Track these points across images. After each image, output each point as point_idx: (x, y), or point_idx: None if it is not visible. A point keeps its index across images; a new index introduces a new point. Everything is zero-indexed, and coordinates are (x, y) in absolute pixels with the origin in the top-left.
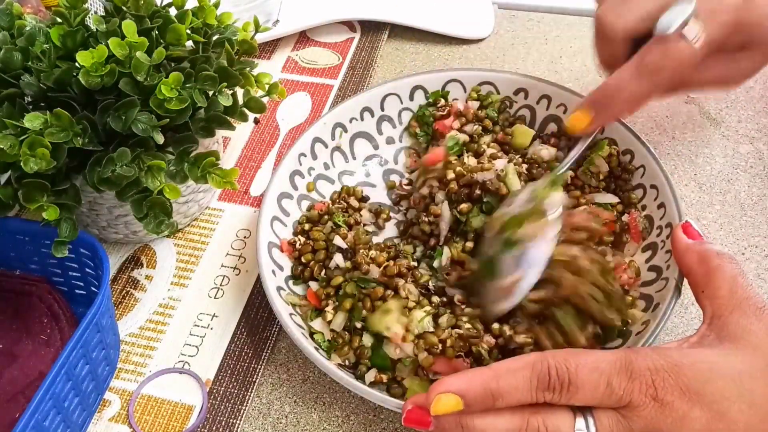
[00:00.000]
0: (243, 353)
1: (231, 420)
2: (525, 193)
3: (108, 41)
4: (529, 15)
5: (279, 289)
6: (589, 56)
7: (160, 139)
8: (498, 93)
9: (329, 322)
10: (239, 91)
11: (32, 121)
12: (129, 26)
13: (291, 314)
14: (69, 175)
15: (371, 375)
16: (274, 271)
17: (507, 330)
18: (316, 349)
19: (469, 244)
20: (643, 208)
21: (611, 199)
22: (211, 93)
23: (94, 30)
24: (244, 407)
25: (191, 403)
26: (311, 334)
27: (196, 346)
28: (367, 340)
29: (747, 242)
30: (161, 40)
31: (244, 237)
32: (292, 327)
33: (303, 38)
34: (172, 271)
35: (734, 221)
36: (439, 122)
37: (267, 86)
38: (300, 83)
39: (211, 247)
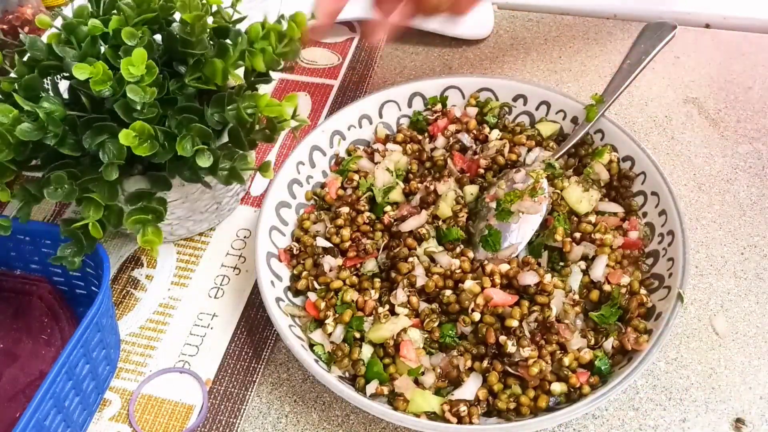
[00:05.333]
0: (243, 353)
1: (231, 419)
2: (521, 174)
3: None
4: (528, 15)
5: (278, 300)
6: (589, 56)
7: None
8: (497, 99)
9: (329, 335)
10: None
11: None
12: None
13: (290, 326)
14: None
15: (372, 387)
16: (272, 282)
17: (510, 345)
18: (316, 361)
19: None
20: (644, 215)
21: (616, 208)
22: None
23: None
24: (244, 407)
25: (191, 403)
26: (311, 345)
27: (197, 346)
28: (367, 350)
29: (746, 242)
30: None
31: (244, 237)
32: (292, 339)
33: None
34: (172, 271)
35: (733, 221)
36: (434, 124)
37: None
38: (300, 83)
39: (211, 247)
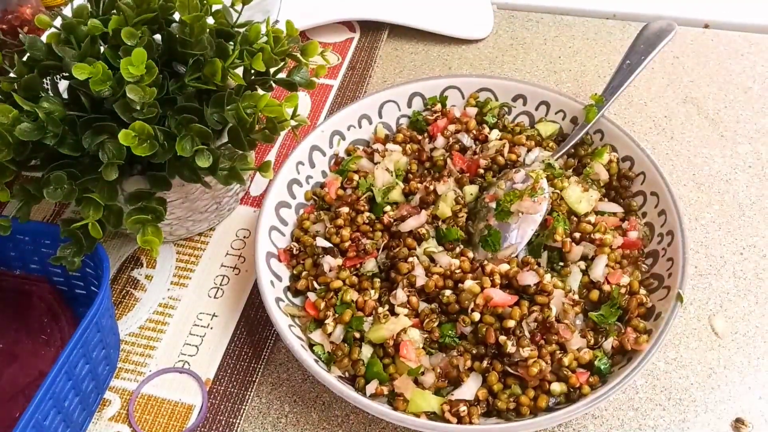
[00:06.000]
0: (243, 353)
1: (231, 419)
2: (520, 174)
3: (121, 62)
4: (528, 15)
5: (278, 300)
6: (588, 56)
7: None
8: (496, 99)
9: (329, 335)
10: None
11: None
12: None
13: (290, 326)
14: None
15: (372, 387)
16: (272, 282)
17: (510, 345)
18: (316, 361)
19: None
20: (644, 215)
21: (615, 208)
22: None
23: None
24: (243, 407)
25: (191, 403)
26: (311, 345)
27: (196, 346)
28: (367, 350)
29: (745, 242)
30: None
31: (244, 237)
32: (292, 339)
33: (303, 38)
34: (172, 271)
35: (733, 221)
36: (434, 124)
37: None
38: None
39: (210, 247)
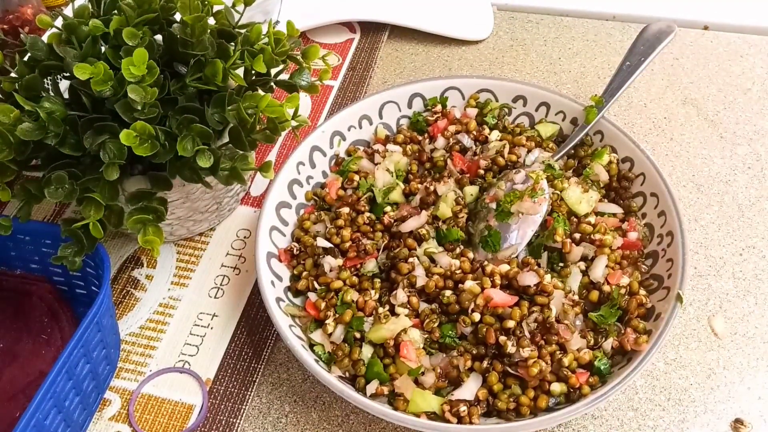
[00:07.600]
0: (243, 353)
1: (231, 419)
2: (521, 175)
3: (122, 62)
4: (528, 16)
5: (278, 300)
6: (588, 58)
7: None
8: (497, 100)
9: (329, 335)
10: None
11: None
12: (140, 54)
13: (290, 326)
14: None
15: (372, 387)
16: (273, 282)
17: (510, 345)
18: (316, 361)
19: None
20: (644, 216)
21: (615, 209)
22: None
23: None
24: (244, 406)
25: (191, 403)
26: (311, 345)
27: (197, 346)
28: (367, 350)
29: (745, 243)
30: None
31: (244, 237)
32: (292, 339)
33: (303, 39)
34: (172, 271)
35: (732, 222)
36: (434, 125)
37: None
38: None
39: (211, 247)
